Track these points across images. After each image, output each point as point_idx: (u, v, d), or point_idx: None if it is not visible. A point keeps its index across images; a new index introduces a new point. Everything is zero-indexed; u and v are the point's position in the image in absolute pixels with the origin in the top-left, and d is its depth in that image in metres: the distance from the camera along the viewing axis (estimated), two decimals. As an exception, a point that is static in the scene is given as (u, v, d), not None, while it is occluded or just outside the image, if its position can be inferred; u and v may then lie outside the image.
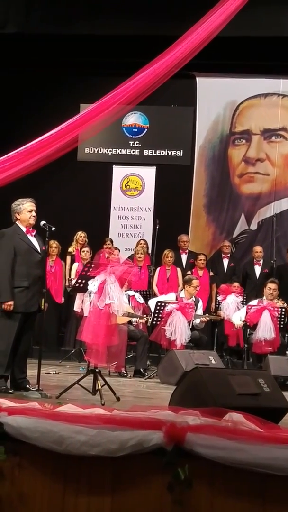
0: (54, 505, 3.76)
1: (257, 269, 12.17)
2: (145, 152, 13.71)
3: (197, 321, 9.85)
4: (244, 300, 10.87)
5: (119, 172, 13.67)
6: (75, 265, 11.47)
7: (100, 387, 6.65)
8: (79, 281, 7.18)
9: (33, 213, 7.05)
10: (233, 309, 10.68)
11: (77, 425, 3.73)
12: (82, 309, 9.94)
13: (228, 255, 12.62)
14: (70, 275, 11.40)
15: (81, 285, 7.10)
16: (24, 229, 7.01)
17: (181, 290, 10.40)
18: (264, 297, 10.24)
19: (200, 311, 10.16)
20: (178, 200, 13.39)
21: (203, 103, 13.57)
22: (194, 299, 10.04)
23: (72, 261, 11.77)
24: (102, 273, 6.76)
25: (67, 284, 11.33)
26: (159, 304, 9.61)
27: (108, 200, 13.56)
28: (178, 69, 10.02)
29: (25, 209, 7.03)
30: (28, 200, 7.11)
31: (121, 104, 10.19)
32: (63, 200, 13.09)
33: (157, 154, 13.68)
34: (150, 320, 9.74)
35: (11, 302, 6.76)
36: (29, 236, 7.01)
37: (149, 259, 11.98)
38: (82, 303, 10.04)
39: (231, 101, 13.59)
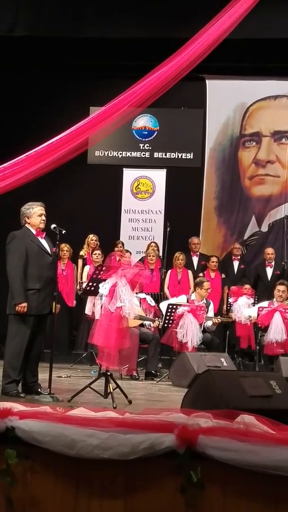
0: (67, 509, 3.75)
1: (269, 271, 12.15)
2: (156, 154, 13.71)
3: (209, 323, 9.84)
4: (256, 302, 10.85)
5: (129, 175, 13.67)
6: (87, 268, 11.48)
7: (111, 390, 6.65)
8: (90, 284, 7.19)
9: (43, 217, 7.07)
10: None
11: (89, 429, 3.73)
12: (93, 312, 9.93)
13: (239, 257, 12.60)
14: (81, 278, 11.41)
15: (92, 288, 7.11)
16: (34, 232, 7.02)
17: (192, 292, 10.40)
18: (275, 299, 10.23)
19: (211, 313, 10.15)
20: (188, 202, 13.38)
21: (213, 105, 13.57)
22: (206, 302, 10.03)
23: (84, 264, 11.79)
24: (113, 276, 6.76)
25: (78, 287, 11.34)
26: (170, 306, 9.60)
27: (118, 203, 13.56)
28: (188, 72, 10.02)
29: (35, 213, 7.04)
30: (38, 204, 7.11)
31: (131, 107, 10.18)
32: (73, 203, 13.11)
33: (168, 156, 13.68)
34: (162, 323, 9.74)
35: (25, 304, 6.76)
36: (39, 238, 7.03)
37: (160, 262, 11.98)
38: (93, 306, 10.03)
39: (241, 103, 13.58)
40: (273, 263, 12.21)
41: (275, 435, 3.63)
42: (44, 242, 7.05)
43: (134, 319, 8.34)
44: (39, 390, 6.88)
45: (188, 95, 13.41)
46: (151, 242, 12.48)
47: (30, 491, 3.79)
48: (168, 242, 11.92)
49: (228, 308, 11.21)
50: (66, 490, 3.76)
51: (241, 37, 10.54)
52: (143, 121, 13.71)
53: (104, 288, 6.75)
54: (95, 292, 7.05)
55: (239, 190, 13.54)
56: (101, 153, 13.73)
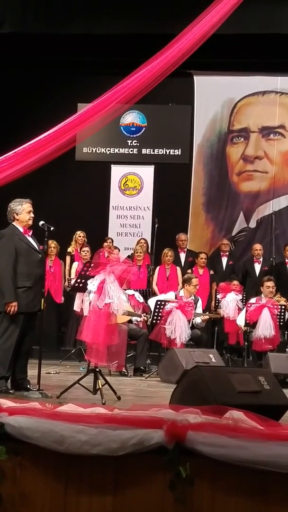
0: (56, 505, 3.76)
1: (257, 267, 12.18)
2: (143, 151, 13.71)
3: (198, 320, 9.86)
4: (244, 298, 10.86)
5: (117, 172, 13.67)
6: (75, 264, 11.48)
7: (100, 386, 6.65)
8: (79, 280, 7.18)
9: (31, 214, 7.06)
10: (232, 307, 10.69)
11: (78, 425, 3.73)
12: (82, 309, 9.95)
13: (227, 253, 12.62)
14: (70, 275, 11.40)
15: (81, 285, 7.10)
16: (21, 230, 7.00)
17: (181, 289, 10.40)
18: (263, 295, 10.26)
19: (199, 309, 10.17)
20: (176, 199, 13.38)
21: (201, 101, 13.57)
22: (194, 298, 10.04)
23: (72, 261, 11.78)
24: (101, 273, 6.76)
25: (66, 284, 11.33)
26: (158, 303, 9.61)
27: (106, 200, 13.56)
28: (176, 68, 10.01)
29: (24, 210, 7.02)
30: (26, 201, 7.10)
31: (118, 103, 10.16)
32: (61, 200, 13.09)
33: (155, 153, 13.68)
34: (150, 319, 9.75)
35: (15, 303, 6.75)
36: (27, 236, 7.01)
37: (149, 258, 11.98)
38: (82, 303, 10.05)
39: (229, 99, 13.59)
40: (261, 259, 12.23)
41: (264, 431, 3.64)
42: (31, 240, 7.04)
43: (122, 315, 8.34)
44: (28, 386, 6.87)
45: (176, 91, 13.42)
46: (141, 238, 12.48)
47: (19, 487, 3.80)
48: (157, 238, 11.91)
49: (217, 304, 11.22)
50: (56, 486, 3.77)
51: (228, 33, 10.53)
52: (131, 118, 13.70)
53: (92, 284, 6.75)
54: (83, 289, 7.04)
55: (227, 186, 13.56)
56: (89, 150, 13.72)
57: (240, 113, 13.62)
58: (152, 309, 9.71)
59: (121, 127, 13.70)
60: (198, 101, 13.57)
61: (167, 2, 11.17)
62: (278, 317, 9.82)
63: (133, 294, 10.33)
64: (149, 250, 12.14)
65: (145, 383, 8.71)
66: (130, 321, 9.80)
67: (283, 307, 9.97)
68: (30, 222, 7.05)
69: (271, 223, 13.07)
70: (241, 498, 3.53)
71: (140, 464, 3.65)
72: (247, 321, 10.01)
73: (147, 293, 10.88)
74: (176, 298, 9.90)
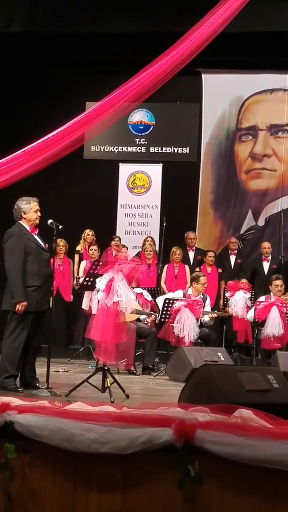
0: (65, 503, 3.77)
1: (266, 265, 12.16)
2: (152, 149, 13.70)
3: (206, 318, 9.85)
4: (253, 296, 10.86)
5: (125, 170, 13.67)
6: (83, 263, 11.49)
7: (109, 384, 6.66)
8: (87, 279, 7.19)
9: (39, 213, 7.08)
10: (241, 305, 10.69)
11: (87, 423, 3.73)
12: (90, 307, 9.96)
13: (235, 251, 12.60)
14: (78, 273, 11.42)
15: (89, 283, 7.11)
16: (28, 228, 7.02)
17: (189, 287, 10.40)
18: (272, 294, 10.25)
19: (208, 308, 10.16)
20: (185, 197, 13.37)
21: (209, 99, 13.56)
22: (202, 296, 10.04)
23: (80, 260, 11.79)
24: (109, 271, 6.76)
25: (75, 282, 11.35)
26: (167, 301, 9.61)
27: (115, 198, 13.56)
28: (184, 66, 10.00)
29: (32, 209, 7.04)
30: (34, 200, 7.12)
31: (126, 102, 10.16)
32: (70, 199, 13.10)
33: (164, 151, 13.67)
34: (158, 318, 9.75)
35: (25, 303, 6.76)
36: (33, 235, 7.03)
37: (156, 257, 11.98)
38: (90, 301, 10.05)
39: (237, 97, 13.57)
40: (269, 257, 12.21)
41: (273, 429, 3.64)
42: (38, 239, 7.06)
43: (131, 313, 8.34)
44: (37, 384, 6.89)
45: (184, 89, 13.41)
46: (147, 237, 12.47)
47: (28, 485, 3.81)
48: (165, 236, 11.91)
49: (225, 302, 11.21)
50: (65, 484, 3.77)
51: (237, 31, 10.51)
52: (139, 116, 13.70)
53: (101, 283, 6.76)
54: (92, 287, 7.05)
55: (236, 184, 13.54)
56: (97, 148, 13.72)
57: (248, 111, 13.60)
58: (161, 308, 9.72)
59: (129, 126, 13.70)
60: (206, 99, 13.56)
61: (176, 0, 11.16)
62: (287, 315, 9.81)
63: (141, 293, 10.33)
64: (156, 249, 12.13)
65: (154, 382, 8.71)
66: (138, 320, 9.80)
67: (292, 305, 9.96)
68: (37, 221, 7.07)
69: (279, 221, 13.06)
70: (250, 497, 3.52)
71: (148, 463, 3.65)
72: (256, 320, 10.00)
73: (156, 292, 10.88)
74: (184, 296, 9.91)
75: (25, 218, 7.04)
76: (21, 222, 7.05)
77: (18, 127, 12.45)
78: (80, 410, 3.98)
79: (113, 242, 11.89)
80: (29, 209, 7.03)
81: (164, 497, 3.62)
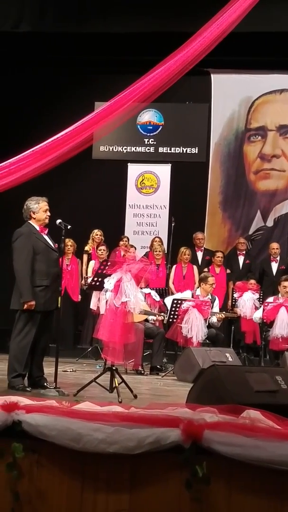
0: (73, 503, 3.77)
1: (274, 266, 12.15)
2: (160, 149, 13.70)
3: (214, 319, 9.83)
4: (261, 297, 10.84)
5: (134, 170, 13.67)
6: (92, 263, 11.51)
7: (117, 384, 6.65)
8: (95, 279, 7.20)
9: (48, 213, 7.08)
10: (249, 306, 10.67)
11: (95, 423, 3.73)
12: (98, 307, 9.95)
13: (244, 252, 12.58)
14: (87, 273, 11.43)
15: (97, 283, 7.11)
16: (37, 228, 7.03)
17: (197, 287, 10.39)
18: (280, 294, 10.23)
19: (216, 309, 10.14)
20: (193, 197, 13.36)
21: (218, 99, 13.54)
22: (211, 297, 10.02)
23: (89, 260, 11.80)
24: (118, 271, 6.76)
25: (83, 282, 11.36)
26: (175, 301, 9.61)
27: (123, 198, 13.56)
28: (193, 66, 10.00)
29: (41, 209, 7.06)
30: (43, 199, 7.13)
31: (135, 102, 10.17)
32: (78, 199, 13.11)
33: (172, 151, 13.66)
34: (167, 318, 9.75)
35: (33, 302, 6.78)
36: (43, 235, 7.04)
37: (164, 257, 11.98)
38: (98, 301, 10.05)
39: (246, 98, 13.55)
40: (278, 258, 12.19)
41: (281, 430, 3.63)
42: (47, 239, 7.06)
43: (139, 314, 8.34)
44: (45, 384, 6.90)
45: (193, 89, 13.40)
46: (156, 237, 12.46)
47: (36, 485, 3.81)
48: (173, 237, 11.90)
49: (233, 303, 11.20)
50: (72, 484, 3.77)
51: (246, 31, 10.50)
52: (148, 116, 13.70)
53: (109, 283, 6.76)
54: (100, 287, 7.05)
55: (244, 185, 13.52)
56: (106, 148, 13.73)
57: (258, 111, 13.58)
58: (169, 308, 9.71)
59: (138, 126, 13.70)
60: (215, 99, 13.55)
61: (185, 0, 11.15)
62: (295, 316, 9.80)
63: (150, 293, 10.33)
64: (164, 249, 12.13)
65: (162, 382, 8.71)
66: (146, 320, 9.79)
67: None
68: (47, 221, 7.08)
69: (288, 222, 13.05)
70: (258, 498, 3.52)
71: (156, 463, 3.65)
72: (264, 320, 9.99)
73: (164, 292, 10.88)
74: (192, 297, 9.90)
75: (34, 218, 7.05)
76: (30, 221, 7.07)
77: (26, 127, 12.46)
78: (88, 410, 3.98)
79: (121, 242, 11.89)
80: (38, 208, 7.04)
81: (171, 497, 3.62)
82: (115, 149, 13.79)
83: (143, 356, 9.66)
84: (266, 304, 10.07)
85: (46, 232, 7.10)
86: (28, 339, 6.82)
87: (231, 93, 13.52)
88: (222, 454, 3.53)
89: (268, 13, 10.78)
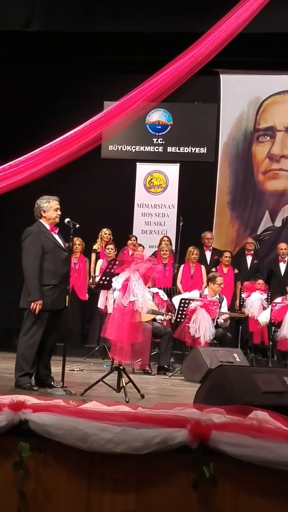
0: (79, 502, 3.76)
1: (282, 266, 12.12)
2: (169, 149, 13.69)
3: (221, 320, 9.81)
4: (269, 297, 10.82)
5: (142, 169, 13.66)
6: (100, 262, 11.51)
7: (124, 384, 6.64)
8: (103, 278, 7.19)
9: (59, 212, 7.07)
10: (257, 306, 10.66)
11: (102, 423, 3.73)
12: (106, 306, 9.95)
13: (252, 252, 12.56)
14: (95, 272, 11.43)
15: (105, 282, 7.11)
16: (48, 227, 7.03)
17: (205, 287, 10.38)
18: (288, 295, 10.23)
19: (224, 309, 10.12)
20: (202, 197, 13.35)
21: (227, 100, 13.53)
22: (219, 297, 10.01)
23: (97, 258, 11.81)
24: (126, 270, 6.75)
25: (91, 281, 11.36)
26: (183, 301, 9.60)
27: (132, 197, 13.56)
28: (202, 66, 10.00)
29: (52, 207, 7.05)
30: (54, 198, 7.12)
31: (144, 101, 10.19)
32: (87, 198, 13.11)
33: (181, 151, 13.65)
34: (174, 318, 9.74)
35: (40, 301, 6.78)
36: (53, 234, 7.03)
37: (173, 256, 11.97)
38: (106, 300, 10.05)
39: (255, 98, 13.53)
40: (286, 259, 12.17)
41: (288, 431, 3.62)
42: (57, 238, 7.06)
43: (146, 313, 8.33)
44: (52, 383, 6.90)
45: (202, 89, 13.39)
46: (164, 236, 12.45)
47: (42, 484, 3.81)
48: (181, 236, 11.90)
49: (241, 303, 11.19)
50: (79, 483, 3.77)
51: (255, 31, 10.49)
52: (157, 116, 13.69)
53: (117, 282, 6.75)
54: (108, 286, 7.05)
55: (253, 185, 13.50)
56: (115, 148, 13.73)
57: (266, 111, 13.56)
58: (177, 308, 9.70)
59: (147, 125, 13.69)
60: (224, 99, 13.53)
61: (194, 0, 11.14)
62: (303, 317, 9.78)
63: (157, 292, 10.32)
64: (173, 248, 12.12)
65: (169, 382, 8.70)
66: (154, 320, 9.79)
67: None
68: (57, 220, 7.07)
69: (296, 222, 13.03)
70: (265, 499, 3.51)
71: (163, 463, 3.65)
72: (272, 321, 9.97)
73: (172, 291, 10.87)
74: (200, 296, 9.89)
75: (45, 217, 7.05)
76: (41, 220, 7.07)
77: (36, 126, 12.46)
78: (95, 410, 3.97)
79: (129, 242, 11.89)
80: (48, 207, 7.04)
81: (178, 498, 3.61)
82: (124, 148, 13.79)
83: (150, 355, 9.65)
84: (274, 304, 10.06)
85: (56, 231, 7.10)
86: (35, 338, 6.83)
87: (240, 93, 13.50)
88: (230, 455, 3.52)
89: (277, 13, 10.76)
